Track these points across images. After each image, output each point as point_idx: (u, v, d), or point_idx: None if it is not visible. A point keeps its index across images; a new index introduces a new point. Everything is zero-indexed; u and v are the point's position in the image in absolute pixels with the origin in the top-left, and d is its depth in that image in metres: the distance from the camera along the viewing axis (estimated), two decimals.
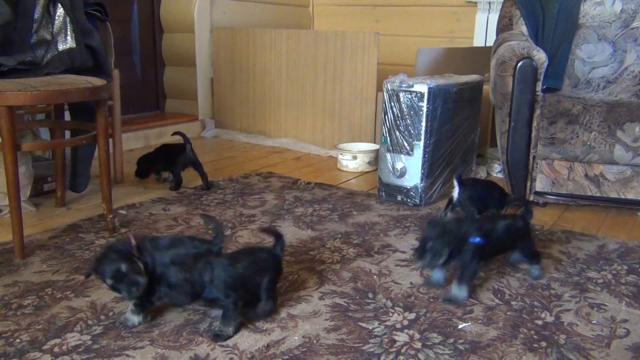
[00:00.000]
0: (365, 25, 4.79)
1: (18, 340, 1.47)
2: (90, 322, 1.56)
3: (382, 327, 1.56)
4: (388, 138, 2.62)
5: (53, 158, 2.89)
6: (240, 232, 2.25)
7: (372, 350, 1.45)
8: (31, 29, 2.23)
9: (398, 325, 1.57)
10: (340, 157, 3.31)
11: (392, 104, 2.58)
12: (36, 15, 2.22)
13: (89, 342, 1.46)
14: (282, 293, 1.74)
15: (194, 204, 2.58)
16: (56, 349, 1.43)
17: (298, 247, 2.11)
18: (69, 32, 2.28)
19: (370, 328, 1.56)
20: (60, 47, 2.27)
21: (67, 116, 2.67)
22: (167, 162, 2.86)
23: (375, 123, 3.50)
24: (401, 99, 2.55)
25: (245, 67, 4.05)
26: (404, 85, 2.54)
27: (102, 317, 1.59)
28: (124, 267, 1.45)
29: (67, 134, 2.65)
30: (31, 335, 1.50)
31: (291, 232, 2.25)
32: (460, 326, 1.58)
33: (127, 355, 1.41)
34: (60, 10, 2.28)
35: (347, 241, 2.18)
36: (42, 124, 2.72)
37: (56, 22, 2.28)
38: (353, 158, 3.26)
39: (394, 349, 1.46)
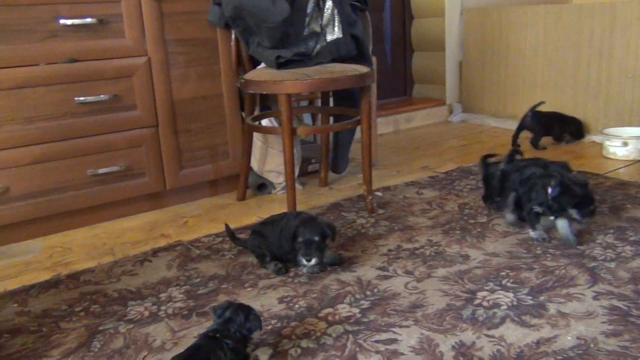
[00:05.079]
0: None
1: (297, 306, 1.63)
2: (357, 296, 1.66)
3: None
4: None
5: (315, 141, 3.15)
6: (497, 220, 2.17)
7: None
8: (304, 23, 2.42)
9: None
10: (607, 143, 2.97)
11: None
12: (309, 10, 2.41)
13: (359, 315, 1.56)
14: (549, 288, 1.64)
15: (446, 189, 2.57)
16: (330, 318, 1.55)
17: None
18: (336, 24, 2.43)
19: None
20: (328, 37, 2.44)
21: (329, 103, 2.87)
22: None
23: None
24: None
25: (497, 48, 3.89)
26: None
27: (368, 292, 1.68)
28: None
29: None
30: (307, 302, 1.65)
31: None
32: None
33: (394, 332, 1.46)
34: (329, 4, 2.44)
35: (622, 237, 1.95)
36: (311, 110, 2.97)
37: (325, 14, 2.45)
38: (623, 144, 2.90)
39: None
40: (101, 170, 2.29)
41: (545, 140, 3.27)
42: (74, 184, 2.25)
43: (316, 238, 1.74)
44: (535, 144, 3.21)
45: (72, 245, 2.17)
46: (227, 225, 2.02)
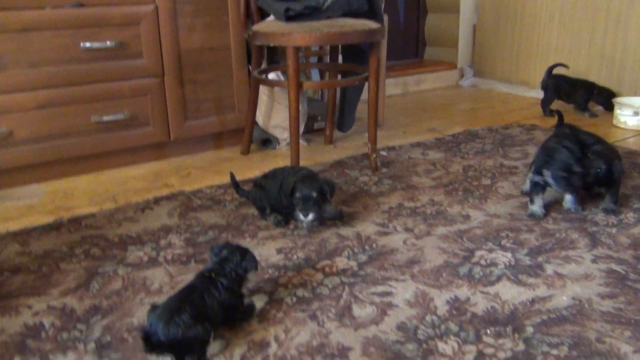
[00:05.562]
0: None
1: (295, 257, 1.64)
2: (356, 250, 1.67)
3: None
4: None
5: (322, 99, 3.12)
6: (501, 183, 2.16)
7: None
8: None
9: None
10: (618, 111, 2.93)
11: None
12: None
13: (356, 268, 1.56)
14: (548, 250, 1.63)
15: (452, 151, 2.55)
16: (327, 269, 1.56)
17: None
18: None
19: None
20: None
21: (338, 61, 2.83)
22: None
23: None
24: None
25: (512, 12, 3.80)
26: None
27: (367, 247, 1.68)
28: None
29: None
30: (306, 254, 1.65)
31: None
32: None
33: (390, 286, 1.47)
34: None
35: (626, 204, 1.94)
36: (318, 66, 2.93)
37: None
38: (634, 114, 2.86)
39: None
40: (106, 118, 2.28)
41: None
42: (78, 130, 2.25)
43: (314, 194, 1.73)
44: (542, 106, 3.16)
45: (75, 191, 2.18)
46: (232, 175, 2.01)
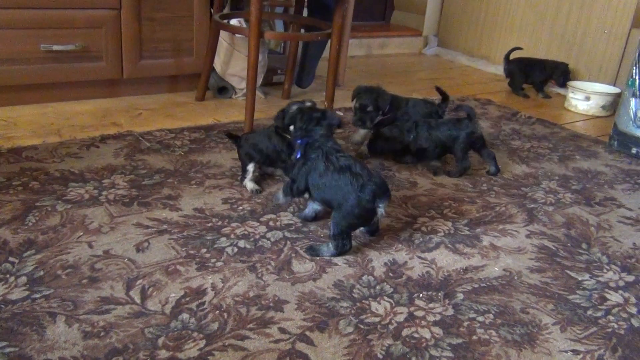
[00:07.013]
0: None
1: (241, 208, 1.63)
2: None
3: (594, 281, 1.44)
4: (638, 81, 2.30)
5: (283, 52, 3.07)
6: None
7: (578, 301, 1.35)
8: None
9: (612, 284, 1.43)
10: (570, 95, 3.00)
11: None
12: None
13: (299, 224, 1.58)
14: (487, 222, 1.69)
15: None
16: (271, 223, 1.57)
17: (509, 180, 2.01)
18: None
19: (580, 279, 1.44)
20: None
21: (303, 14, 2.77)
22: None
23: (620, 64, 3.09)
24: None
25: None
26: None
27: None
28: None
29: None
30: (252, 206, 1.65)
31: (504, 164, 2.14)
32: None
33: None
34: None
35: (565, 185, 2.01)
36: (282, 17, 2.87)
37: None
38: (585, 99, 2.94)
39: (603, 307, 1.34)
40: (55, 47, 2.18)
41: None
42: (25, 57, 2.14)
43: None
44: (513, 89, 3.21)
45: (18, 121, 2.10)
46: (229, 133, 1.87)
